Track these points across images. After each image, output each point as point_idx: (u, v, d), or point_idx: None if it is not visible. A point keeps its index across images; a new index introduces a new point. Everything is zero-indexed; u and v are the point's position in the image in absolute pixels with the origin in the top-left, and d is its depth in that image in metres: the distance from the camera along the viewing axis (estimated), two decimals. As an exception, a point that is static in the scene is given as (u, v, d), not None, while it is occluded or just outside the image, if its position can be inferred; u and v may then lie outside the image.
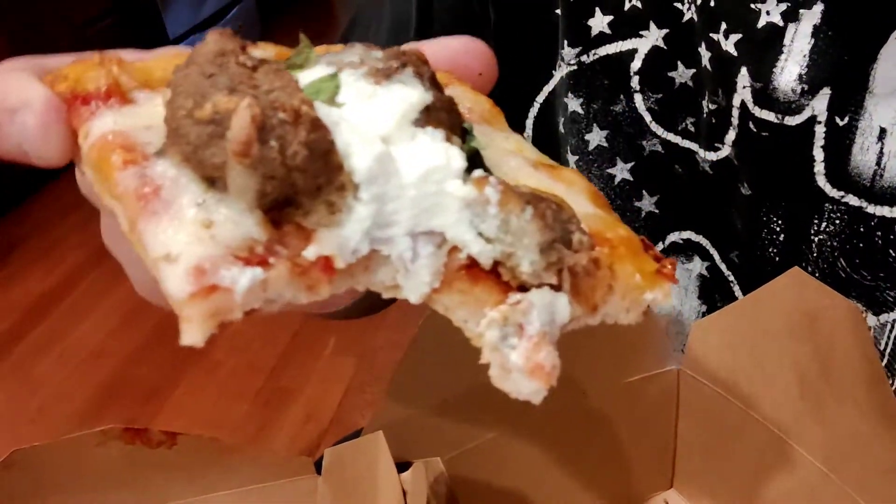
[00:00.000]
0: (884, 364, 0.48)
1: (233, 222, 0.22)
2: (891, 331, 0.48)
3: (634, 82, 0.51)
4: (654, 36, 0.49)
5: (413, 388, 0.47)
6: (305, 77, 0.26)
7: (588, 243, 0.25)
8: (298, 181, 0.22)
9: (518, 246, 0.24)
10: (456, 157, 0.24)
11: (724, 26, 0.46)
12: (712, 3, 0.46)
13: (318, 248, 0.23)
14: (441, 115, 0.25)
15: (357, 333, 1.99)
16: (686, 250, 0.55)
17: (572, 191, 0.28)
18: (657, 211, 0.55)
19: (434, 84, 0.26)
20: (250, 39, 0.28)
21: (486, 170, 0.26)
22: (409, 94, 0.25)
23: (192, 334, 0.21)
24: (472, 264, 0.25)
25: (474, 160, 0.26)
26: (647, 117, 0.52)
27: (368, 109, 0.25)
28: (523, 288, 0.25)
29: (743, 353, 0.48)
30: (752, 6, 0.44)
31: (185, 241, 0.22)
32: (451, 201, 0.24)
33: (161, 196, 0.23)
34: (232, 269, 0.22)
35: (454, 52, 0.30)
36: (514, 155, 0.29)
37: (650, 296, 0.27)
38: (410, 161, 0.24)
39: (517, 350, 0.24)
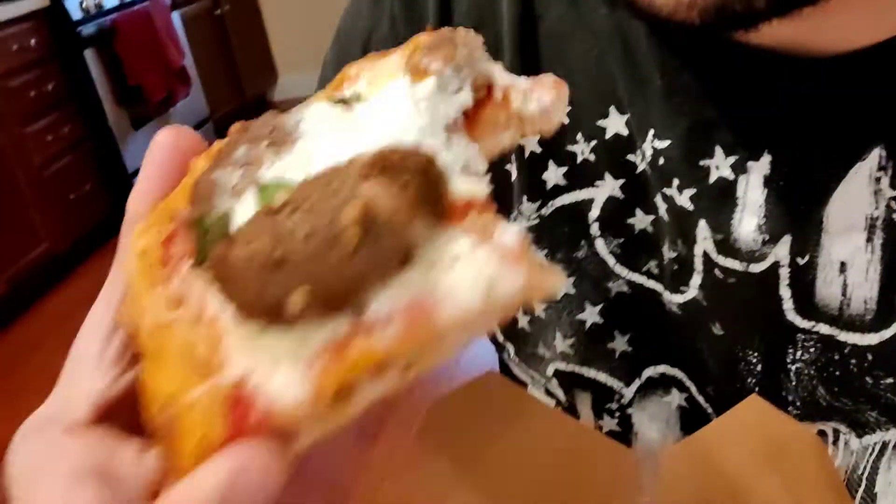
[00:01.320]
0: (862, 490, 0.48)
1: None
2: (871, 454, 0.48)
3: (594, 229, 0.51)
4: (609, 186, 0.50)
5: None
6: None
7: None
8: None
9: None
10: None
11: (676, 182, 0.46)
12: (662, 161, 0.46)
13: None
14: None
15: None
16: (663, 384, 0.55)
17: None
18: (630, 349, 0.54)
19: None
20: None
21: None
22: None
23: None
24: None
25: None
26: (611, 260, 0.52)
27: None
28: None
29: (716, 485, 0.48)
30: (702, 163, 0.45)
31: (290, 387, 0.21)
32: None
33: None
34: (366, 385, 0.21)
35: None
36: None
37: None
38: None
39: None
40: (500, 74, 0.27)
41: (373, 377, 0.21)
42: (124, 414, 0.25)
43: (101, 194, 3.31)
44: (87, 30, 3.14)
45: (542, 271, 0.21)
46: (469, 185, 0.23)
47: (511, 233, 0.22)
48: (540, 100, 0.27)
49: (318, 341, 0.21)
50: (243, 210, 0.23)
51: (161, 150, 0.27)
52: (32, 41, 2.97)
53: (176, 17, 3.71)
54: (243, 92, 4.47)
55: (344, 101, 0.26)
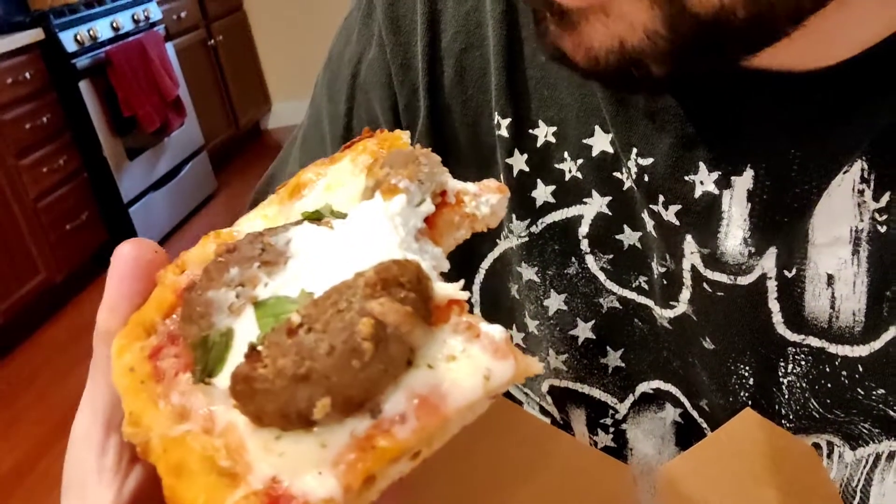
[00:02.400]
0: (856, 502, 0.48)
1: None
2: (865, 465, 0.48)
3: (584, 245, 0.52)
4: (598, 203, 0.50)
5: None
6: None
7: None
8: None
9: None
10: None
11: (661, 198, 0.47)
12: (647, 178, 0.47)
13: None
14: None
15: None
16: (657, 399, 0.55)
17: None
18: (623, 365, 0.54)
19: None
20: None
21: None
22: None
23: None
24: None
25: None
26: (601, 276, 0.52)
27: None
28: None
29: (713, 500, 0.48)
30: (686, 178, 0.46)
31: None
32: None
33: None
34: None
35: None
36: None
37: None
38: None
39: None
40: (452, 182, 0.31)
41: (393, 464, 0.24)
42: None
43: (97, 224, 3.32)
44: (82, 62, 3.17)
45: (525, 358, 0.25)
46: (447, 286, 0.27)
47: (495, 329, 0.25)
48: (488, 201, 0.32)
49: (340, 440, 0.24)
50: (244, 328, 0.26)
51: (125, 264, 0.28)
52: (27, 74, 2.99)
53: (170, 48, 3.74)
54: (237, 120, 4.50)
55: (319, 217, 0.30)
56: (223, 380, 0.25)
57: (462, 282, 0.27)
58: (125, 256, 0.28)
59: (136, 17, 3.54)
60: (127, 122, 3.35)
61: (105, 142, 3.27)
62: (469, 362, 0.24)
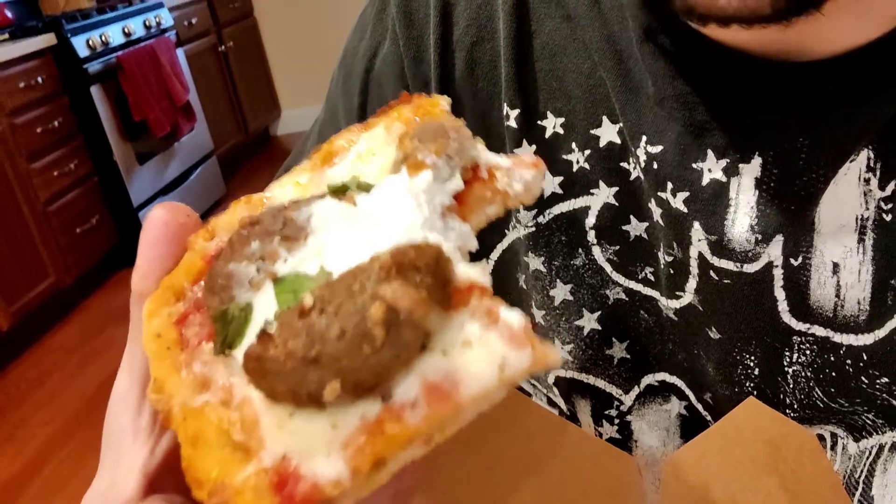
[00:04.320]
0: (859, 492, 0.48)
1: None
2: (868, 457, 0.48)
3: (591, 236, 0.52)
4: (605, 193, 0.51)
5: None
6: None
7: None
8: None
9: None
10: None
11: (670, 186, 0.47)
12: (655, 166, 0.48)
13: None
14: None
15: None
16: (662, 391, 0.56)
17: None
18: (629, 356, 0.55)
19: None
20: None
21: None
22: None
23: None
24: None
25: None
26: (608, 268, 0.53)
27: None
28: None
29: (717, 489, 0.48)
30: (694, 166, 0.46)
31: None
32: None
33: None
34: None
35: None
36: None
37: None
38: None
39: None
40: (484, 156, 0.30)
41: (403, 450, 0.24)
42: (169, 479, 0.27)
43: (107, 229, 3.33)
44: (94, 67, 3.19)
45: (544, 348, 0.24)
46: (470, 269, 0.26)
47: (514, 316, 0.25)
48: (522, 177, 0.30)
49: (350, 423, 0.24)
50: (262, 303, 0.26)
51: (156, 228, 0.29)
52: (40, 78, 3.02)
53: (181, 53, 3.77)
54: (247, 126, 4.52)
55: (344, 191, 0.29)
56: (241, 353, 0.25)
57: (485, 263, 0.27)
58: (157, 220, 0.29)
59: (147, 23, 3.57)
60: (137, 126, 3.37)
61: (115, 146, 3.29)
62: (485, 350, 0.24)
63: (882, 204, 0.43)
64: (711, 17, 0.38)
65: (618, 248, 0.52)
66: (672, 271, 0.50)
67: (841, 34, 0.41)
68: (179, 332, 0.27)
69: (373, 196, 0.28)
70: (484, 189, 0.29)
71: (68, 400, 2.53)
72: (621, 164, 0.50)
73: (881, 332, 0.45)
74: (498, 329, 0.24)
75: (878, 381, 0.46)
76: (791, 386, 0.49)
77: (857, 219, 0.44)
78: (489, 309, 0.25)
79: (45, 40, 3.06)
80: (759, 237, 0.46)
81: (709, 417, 0.54)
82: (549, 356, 0.24)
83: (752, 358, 0.49)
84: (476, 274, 0.26)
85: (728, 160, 0.45)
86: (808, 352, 0.48)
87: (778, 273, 0.46)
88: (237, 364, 0.25)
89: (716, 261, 0.48)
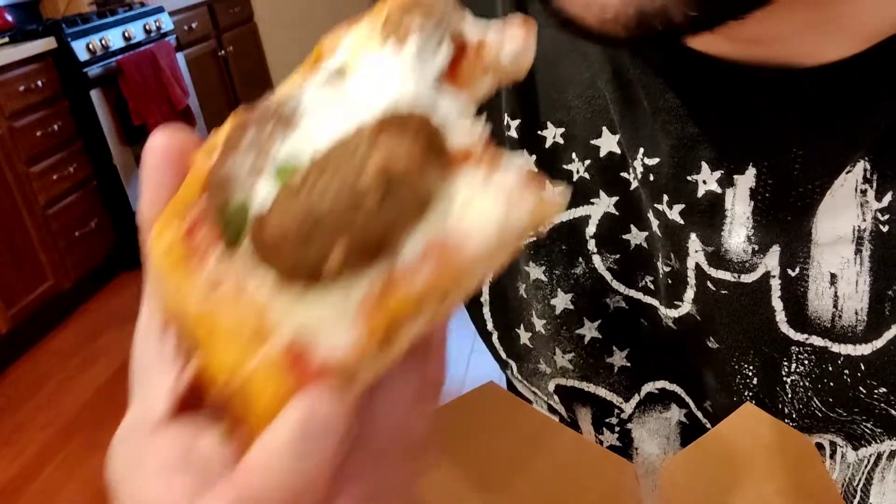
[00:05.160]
0: (856, 501, 0.48)
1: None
2: (866, 465, 0.48)
3: (591, 245, 0.52)
4: (605, 203, 0.51)
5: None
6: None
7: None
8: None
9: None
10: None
11: (666, 198, 0.47)
12: (652, 178, 0.48)
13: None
14: None
15: None
16: (662, 399, 0.55)
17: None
18: (629, 364, 0.55)
19: None
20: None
21: None
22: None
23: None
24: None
25: None
26: (608, 276, 0.53)
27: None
28: None
29: (714, 495, 0.48)
30: (689, 178, 0.46)
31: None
32: None
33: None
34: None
35: None
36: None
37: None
38: None
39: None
40: (471, 27, 0.29)
41: (412, 317, 0.24)
42: (196, 403, 0.27)
43: (106, 233, 3.34)
44: (94, 71, 3.20)
45: (545, 197, 0.24)
46: (465, 134, 0.25)
47: (513, 165, 0.24)
48: (511, 46, 0.29)
49: (359, 293, 0.23)
50: (263, 191, 0.25)
51: (157, 154, 0.29)
52: (39, 82, 3.02)
53: (181, 58, 3.77)
54: (246, 131, 4.52)
55: (337, 72, 0.28)
56: (246, 247, 0.25)
57: (483, 121, 0.26)
58: (157, 147, 0.28)
59: (147, 28, 3.58)
60: (137, 130, 3.37)
61: (115, 150, 3.30)
62: (485, 205, 0.23)
63: (879, 215, 0.43)
64: (581, 33, 0.37)
65: (618, 256, 0.52)
66: (670, 281, 0.50)
67: (836, 41, 0.41)
68: (188, 244, 0.26)
69: (361, 75, 0.28)
70: (474, 63, 0.29)
71: (66, 403, 2.53)
72: (621, 173, 0.50)
73: (879, 343, 0.45)
74: (498, 184, 0.24)
75: (875, 391, 0.46)
76: (789, 396, 0.49)
77: (854, 230, 0.44)
78: (487, 164, 0.24)
79: (46, 44, 3.06)
80: (756, 248, 0.46)
81: (708, 425, 0.54)
82: (549, 205, 0.24)
83: (751, 368, 0.50)
84: (472, 136, 0.25)
85: (722, 172, 0.45)
86: (805, 361, 0.48)
87: (775, 283, 0.46)
88: (243, 259, 0.25)
89: (713, 271, 0.48)
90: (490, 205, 0.23)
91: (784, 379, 0.49)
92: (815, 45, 0.41)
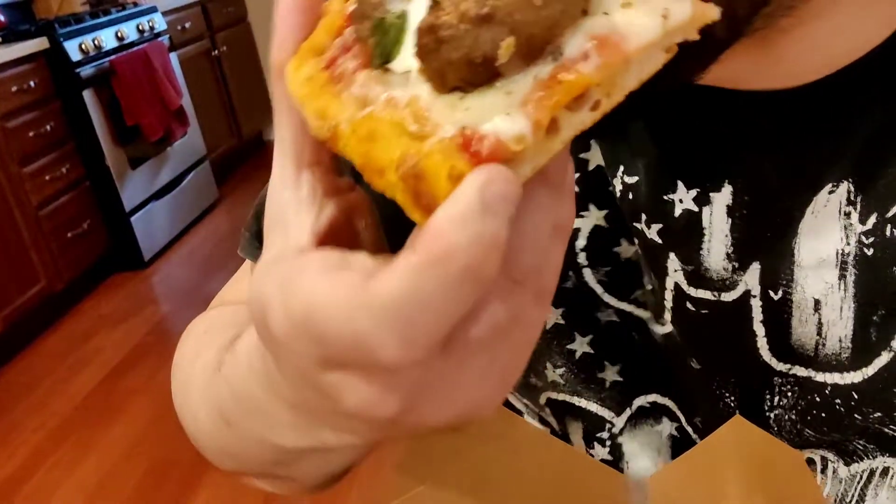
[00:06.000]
0: None
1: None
2: (859, 481, 0.48)
3: (581, 258, 0.52)
4: (594, 216, 0.51)
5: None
6: None
7: None
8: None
9: None
10: None
11: (644, 217, 0.47)
12: (631, 196, 0.48)
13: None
14: None
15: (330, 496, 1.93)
16: (654, 413, 0.55)
17: None
18: (621, 379, 0.55)
19: None
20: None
21: None
22: None
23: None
24: None
25: None
26: (599, 289, 0.52)
27: None
28: None
29: (703, 507, 0.49)
30: (665, 197, 0.46)
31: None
32: None
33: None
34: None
35: None
36: None
37: None
38: None
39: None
40: None
41: (578, 107, 0.25)
42: (336, 244, 0.27)
43: (99, 233, 3.33)
44: (87, 71, 3.19)
45: (703, 4, 0.25)
46: None
47: None
48: None
49: (524, 86, 0.24)
50: (418, 6, 0.26)
51: (290, 1, 0.29)
52: (32, 82, 3.01)
53: (174, 58, 3.76)
54: (240, 131, 4.52)
55: None
56: (401, 63, 0.26)
57: None
58: None
59: (140, 28, 3.57)
60: (130, 131, 3.36)
61: (108, 151, 3.29)
62: (646, 5, 0.24)
63: (864, 238, 0.43)
64: None
65: (609, 269, 0.52)
66: (654, 298, 0.50)
67: (779, 81, 0.41)
68: (329, 73, 0.27)
69: None
70: None
71: (59, 405, 2.52)
72: (609, 188, 0.50)
73: (869, 371, 0.44)
74: None
75: (871, 415, 0.45)
76: (776, 429, 0.48)
77: (837, 254, 0.43)
78: None
79: (38, 44, 3.05)
80: (736, 265, 0.46)
81: (699, 440, 0.54)
82: (708, 8, 0.25)
83: (732, 397, 0.49)
84: None
85: (698, 189, 0.45)
86: (789, 394, 0.47)
87: (756, 305, 0.46)
88: (397, 76, 0.26)
89: (692, 291, 0.47)
90: (651, 7, 0.24)
91: (767, 413, 0.48)
92: (771, 79, 0.41)
